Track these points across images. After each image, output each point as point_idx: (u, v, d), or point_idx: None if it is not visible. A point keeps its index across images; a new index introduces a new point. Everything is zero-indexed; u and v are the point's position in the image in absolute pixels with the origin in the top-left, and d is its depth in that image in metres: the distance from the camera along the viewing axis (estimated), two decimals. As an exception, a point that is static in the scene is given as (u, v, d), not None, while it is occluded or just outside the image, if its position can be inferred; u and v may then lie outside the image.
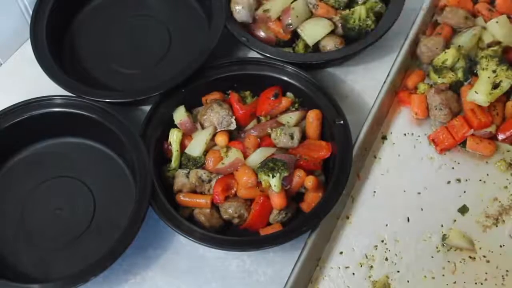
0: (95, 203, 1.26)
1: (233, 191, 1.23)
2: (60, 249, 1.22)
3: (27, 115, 1.28)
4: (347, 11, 1.41)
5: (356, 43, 1.39)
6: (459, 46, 1.42)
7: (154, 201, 1.19)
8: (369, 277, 1.25)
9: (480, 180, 1.35)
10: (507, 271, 1.24)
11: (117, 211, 1.24)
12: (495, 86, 1.33)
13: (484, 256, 1.26)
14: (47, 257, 1.22)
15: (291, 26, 1.40)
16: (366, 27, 1.39)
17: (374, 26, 1.40)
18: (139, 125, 1.28)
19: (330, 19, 1.41)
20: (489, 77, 1.33)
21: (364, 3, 1.43)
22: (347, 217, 1.31)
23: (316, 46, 1.42)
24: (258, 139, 1.28)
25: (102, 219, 1.25)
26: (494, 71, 1.33)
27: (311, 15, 1.43)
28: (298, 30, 1.41)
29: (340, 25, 1.42)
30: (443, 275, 1.24)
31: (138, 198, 1.18)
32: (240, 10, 1.41)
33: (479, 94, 1.32)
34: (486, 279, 1.24)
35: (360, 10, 1.39)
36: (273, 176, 1.18)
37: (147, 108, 1.32)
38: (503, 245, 1.27)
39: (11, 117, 1.28)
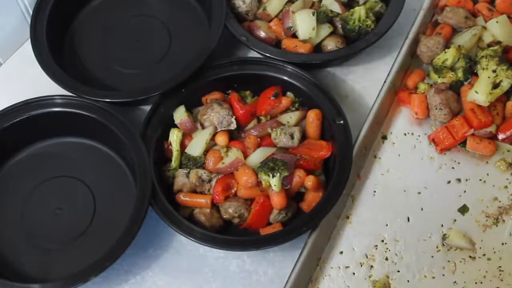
0: (95, 203, 1.26)
1: (233, 191, 1.23)
2: (60, 249, 1.22)
3: (27, 115, 1.28)
4: (347, 12, 1.41)
5: (356, 43, 1.39)
6: (459, 46, 1.42)
7: (154, 201, 1.19)
8: (369, 276, 1.25)
9: (480, 180, 1.35)
10: (506, 270, 1.24)
11: (117, 211, 1.24)
12: (495, 86, 1.32)
13: (484, 255, 1.26)
14: (47, 257, 1.22)
15: (292, 29, 1.41)
16: (366, 27, 1.39)
17: (374, 26, 1.40)
18: (139, 125, 1.28)
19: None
20: (489, 77, 1.33)
21: (364, 3, 1.43)
22: (347, 217, 1.31)
23: (317, 46, 1.42)
24: (258, 139, 1.28)
25: (102, 219, 1.25)
26: (494, 71, 1.33)
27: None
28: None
29: (340, 26, 1.42)
30: (443, 275, 1.24)
31: (138, 198, 1.18)
32: (240, 4, 1.43)
33: (479, 94, 1.31)
34: (486, 279, 1.24)
35: (359, 11, 1.39)
36: (273, 176, 1.18)
37: (147, 108, 1.32)
38: (503, 244, 1.27)
39: (11, 117, 1.28)
